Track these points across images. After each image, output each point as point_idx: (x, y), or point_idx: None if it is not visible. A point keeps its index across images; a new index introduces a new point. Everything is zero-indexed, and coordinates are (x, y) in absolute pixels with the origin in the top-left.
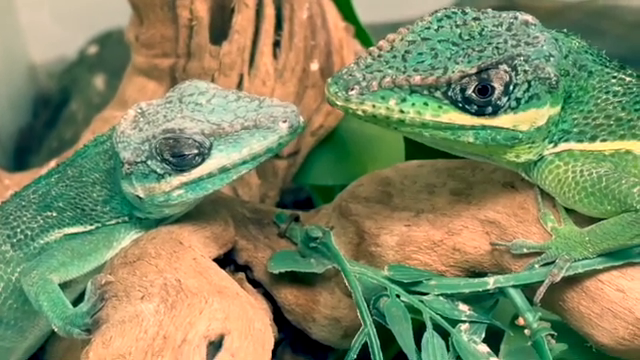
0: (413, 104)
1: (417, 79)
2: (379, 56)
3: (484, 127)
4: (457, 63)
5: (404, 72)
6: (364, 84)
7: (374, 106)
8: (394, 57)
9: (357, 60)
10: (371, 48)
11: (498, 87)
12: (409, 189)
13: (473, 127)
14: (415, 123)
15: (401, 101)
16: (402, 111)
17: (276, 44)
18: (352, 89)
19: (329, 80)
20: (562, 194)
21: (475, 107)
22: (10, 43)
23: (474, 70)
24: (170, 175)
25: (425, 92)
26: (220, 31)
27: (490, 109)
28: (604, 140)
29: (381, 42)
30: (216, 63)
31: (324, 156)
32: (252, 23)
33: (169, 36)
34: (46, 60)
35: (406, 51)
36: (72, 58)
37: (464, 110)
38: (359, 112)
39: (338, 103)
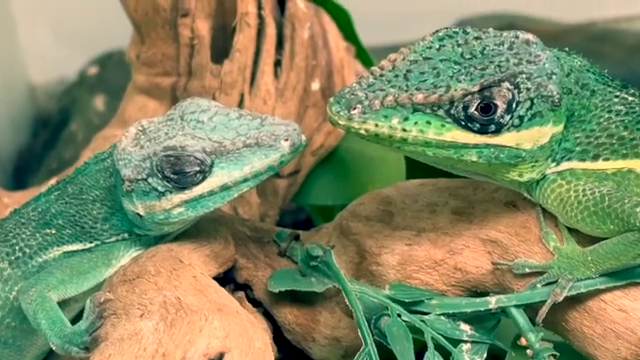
0: (416, 123)
1: (420, 97)
2: (381, 75)
3: (487, 145)
4: (459, 81)
5: (406, 91)
6: (366, 103)
7: (377, 125)
8: (396, 76)
9: (359, 80)
10: (373, 68)
11: (501, 105)
12: (410, 208)
13: (476, 145)
14: (418, 142)
15: (404, 120)
16: (405, 130)
17: (277, 63)
18: (354, 108)
19: (331, 99)
20: (564, 213)
21: (478, 125)
22: (10, 64)
23: (477, 88)
24: (171, 193)
25: (428, 110)
26: (221, 50)
27: (493, 127)
28: (607, 159)
29: (383, 62)
30: (217, 82)
31: (324, 176)
32: (253, 42)
33: (170, 55)
34: (46, 81)
35: (408, 70)
36: (72, 79)
37: (467, 128)
38: (362, 131)
39: (340, 122)
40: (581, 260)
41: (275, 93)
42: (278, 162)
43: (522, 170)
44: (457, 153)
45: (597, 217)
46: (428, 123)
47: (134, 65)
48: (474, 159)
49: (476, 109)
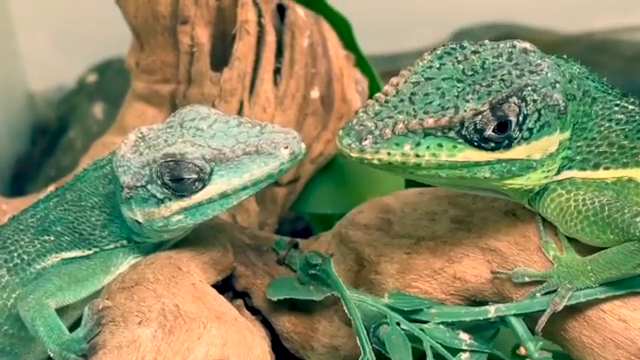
0: (428, 147)
1: (430, 122)
2: (386, 102)
3: (499, 161)
4: (467, 101)
5: (414, 115)
6: (377, 133)
7: (389, 154)
8: (401, 101)
9: (365, 108)
10: (377, 95)
11: (514, 121)
12: (409, 216)
13: (488, 162)
14: (431, 165)
15: (416, 145)
16: (418, 155)
17: (277, 71)
18: (365, 139)
19: (340, 132)
20: (564, 223)
21: (492, 144)
22: (9, 71)
23: (486, 107)
24: (170, 200)
25: (439, 133)
26: (221, 58)
27: (506, 142)
28: (607, 168)
29: (386, 87)
30: (216, 89)
31: (323, 184)
32: (253, 50)
33: (170, 62)
34: (45, 88)
35: (412, 93)
36: (71, 86)
37: (479, 147)
38: (375, 161)
39: (353, 155)
40: (581, 269)
41: (274, 101)
42: (277, 170)
43: (533, 178)
44: (470, 171)
45: (597, 227)
46: (440, 146)
47: (133, 72)
48: (487, 175)
49: (493, 130)
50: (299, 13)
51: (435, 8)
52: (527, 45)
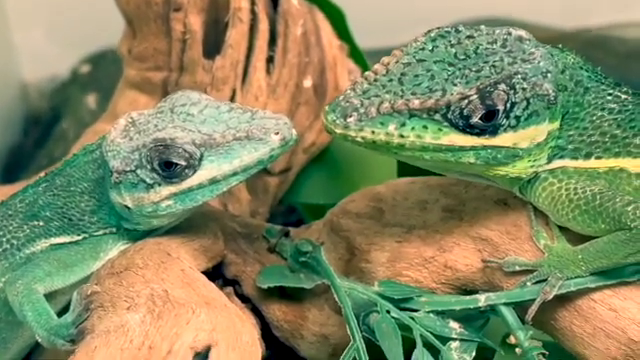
0: (413, 128)
1: (416, 103)
2: (375, 80)
3: (484, 147)
4: (455, 84)
5: (402, 96)
6: (362, 110)
7: (373, 132)
8: (390, 81)
9: (353, 86)
10: (367, 73)
11: (502, 108)
12: (401, 205)
13: (473, 147)
14: (415, 147)
15: (400, 126)
16: (402, 136)
17: (269, 60)
18: (350, 116)
19: (326, 108)
20: (556, 212)
21: (477, 130)
22: (2, 61)
23: (473, 91)
24: (159, 185)
25: (424, 115)
26: (213, 45)
27: (491, 129)
28: (599, 157)
29: (376, 66)
30: (209, 77)
31: (316, 174)
32: (246, 38)
33: (162, 49)
34: (38, 79)
35: (402, 74)
36: (64, 77)
37: (464, 131)
38: (358, 139)
39: (337, 131)
40: (571, 258)
41: (267, 89)
42: (268, 156)
43: (520, 168)
44: (455, 156)
45: (588, 216)
46: (425, 128)
47: (125, 59)
48: (472, 161)
49: (480, 118)
50: (292, 2)
51: (432, 3)
52: (522, 33)
